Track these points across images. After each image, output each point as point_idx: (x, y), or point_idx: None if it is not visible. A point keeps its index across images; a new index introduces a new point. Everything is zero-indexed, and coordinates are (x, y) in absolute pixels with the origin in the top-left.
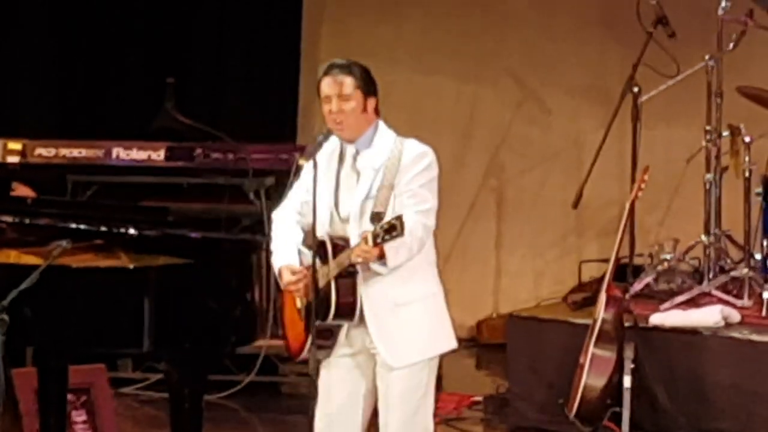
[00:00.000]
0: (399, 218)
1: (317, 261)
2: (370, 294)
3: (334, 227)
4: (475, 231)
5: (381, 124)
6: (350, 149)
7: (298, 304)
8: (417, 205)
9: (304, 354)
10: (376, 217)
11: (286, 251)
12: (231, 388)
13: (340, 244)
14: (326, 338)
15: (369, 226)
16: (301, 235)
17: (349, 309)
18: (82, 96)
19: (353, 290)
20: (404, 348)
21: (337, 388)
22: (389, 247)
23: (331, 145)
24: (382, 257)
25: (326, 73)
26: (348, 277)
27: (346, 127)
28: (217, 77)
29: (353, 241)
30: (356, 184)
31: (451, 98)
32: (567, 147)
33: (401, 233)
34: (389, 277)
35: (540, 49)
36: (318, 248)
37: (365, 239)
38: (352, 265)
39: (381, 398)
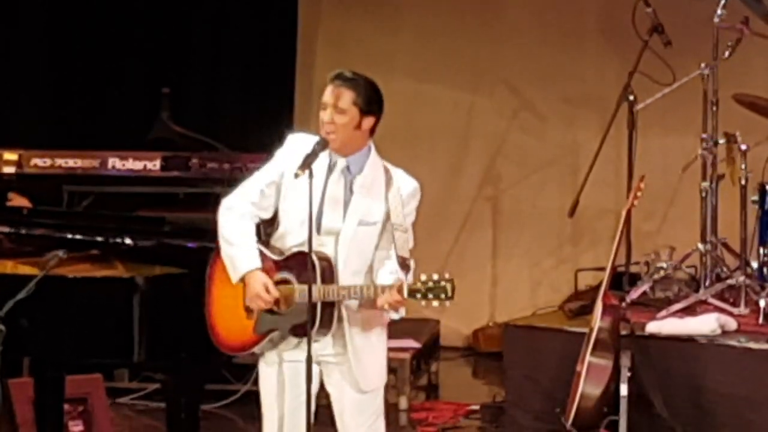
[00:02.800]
0: (452, 282)
1: (292, 276)
2: (350, 317)
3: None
4: (472, 240)
5: (373, 147)
6: (341, 162)
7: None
8: (406, 243)
9: (247, 352)
10: (403, 265)
11: (251, 253)
12: (228, 397)
13: (326, 267)
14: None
15: (355, 251)
16: (254, 232)
17: (328, 325)
18: (78, 106)
19: (333, 309)
20: (373, 372)
21: (289, 392)
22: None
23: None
24: None
25: (330, 80)
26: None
27: (334, 139)
28: (212, 87)
29: (341, 261)
30: (345, 203)
31: (447, 108)
32: (563, 156)
33: (450, 297)
34: (365, 306)
35: (536, 58)
36: (300, 260)
37: (399, 289)
38: None
39: (343, 403)
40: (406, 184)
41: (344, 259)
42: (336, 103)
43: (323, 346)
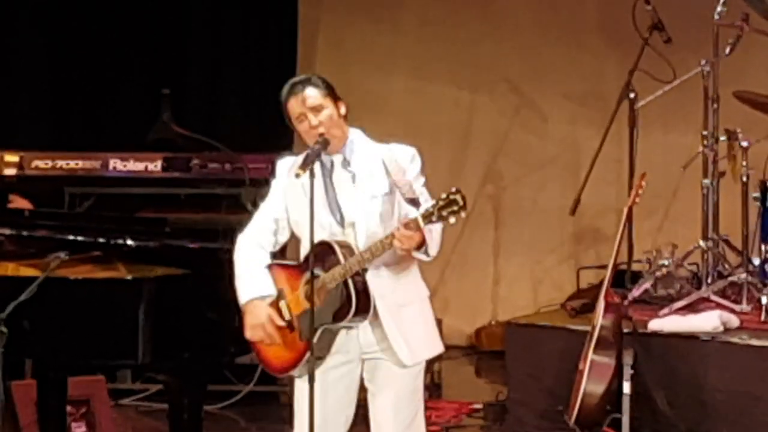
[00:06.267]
0: (459, 191)
1: (318, 268)
2: (378, 294)
3: (331, 236)
4: (473, 238)
5: (356, 131)
6: (337, 158)
7: (287, 315)
8: (426, 202)
9: (300, 366)
10: (413, 203)
11: (252, 283)
12: (230, 398)
13: (347, 248)
14: (325, 345)
15: (376, 228)
16: (267, 260)
17: (366, 306)
18: (79, 108)
19: (366, 287)
20: (413, 346)
21: (329, 396)
22: (428, 235)
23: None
24: (419, 246)
25: (289, 93)
26: (358, 276)
27: (332, 136)
28: (213, 87)
29: (361, 245)
30: (353, 187)
31: (448, 106)
32: (564, 153)
33: (464, 206)
34: (391, 279)
35: (536, 56)
36: (321, 250)
37: (407, 224)
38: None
39: (380, 402)
40: (402, 153)
41: (365, 234)
42: (309, 105)
43: (365, 341)
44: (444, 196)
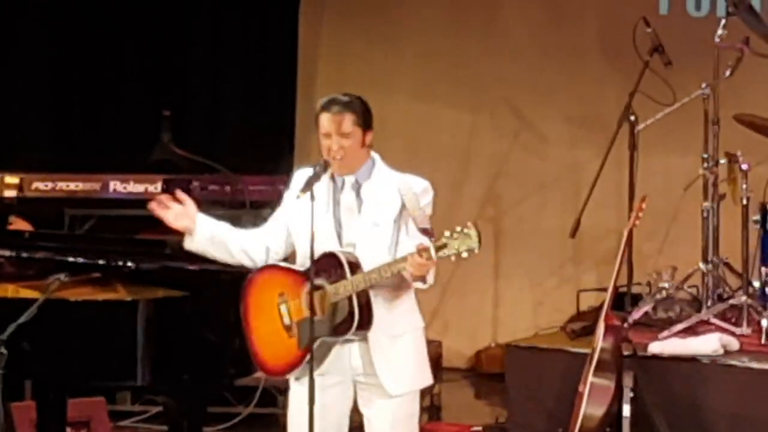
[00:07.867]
0: (475, 225)
1: (323, 280)
2: (375, 322)
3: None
4: (473, 261)
5: (377, 156)
6: (348, 179)
7: (286, 321)
8: (426, 218)
9: (298, 371)
10: (425, 233)
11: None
12: (230, 420)
13: (352, 260)
14: (321, 355)
15: (374, 254)
16: (256, 241)
17: (368, 322)
18: (79, 129)
19: (370, 302)
20: (402, 376)
21: (323, 416)
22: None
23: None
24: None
25: (326, 108)
26: (363, 291)
27: (344, 164)
28: (213, 109)
29: (365, 268)
30: (358, 212)
31: (448, 128)
32: (564, 176)
33: (478, 243)
34: (386, 309)
35: (537, 78)
36: (327, 262)
37: (420, 252)
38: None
39: (376, 427)
40: (416, 183)
41: (364, 261)
42: (339, 130)
43: (357, 365)
44: (459, 229)
